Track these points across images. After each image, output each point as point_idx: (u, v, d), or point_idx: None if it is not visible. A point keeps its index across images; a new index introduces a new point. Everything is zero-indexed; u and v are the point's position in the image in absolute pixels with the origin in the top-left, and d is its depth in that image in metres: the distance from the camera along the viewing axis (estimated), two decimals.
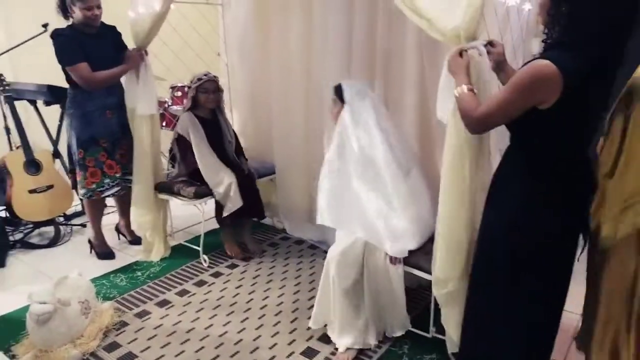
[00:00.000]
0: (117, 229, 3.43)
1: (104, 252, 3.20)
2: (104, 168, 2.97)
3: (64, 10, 2.78)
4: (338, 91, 2.33)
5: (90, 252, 3.22)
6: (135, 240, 3.33)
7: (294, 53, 3.17)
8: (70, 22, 2.82)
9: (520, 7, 2.16)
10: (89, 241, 3.24)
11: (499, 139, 1.84)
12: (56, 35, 2.75)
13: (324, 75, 2.96)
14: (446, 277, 1.88)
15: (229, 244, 3.20)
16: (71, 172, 3.06)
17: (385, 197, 2.20)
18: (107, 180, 2.99)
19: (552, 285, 1.55)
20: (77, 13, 2.73)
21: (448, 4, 1.64)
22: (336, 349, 2.22)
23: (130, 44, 3.00)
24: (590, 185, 1.51)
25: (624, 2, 1.29)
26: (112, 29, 2.98)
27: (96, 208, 3.15)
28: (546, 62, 1.30)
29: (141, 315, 2.53)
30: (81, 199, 3.10)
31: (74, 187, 3.10)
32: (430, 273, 2.00)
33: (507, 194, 1.53)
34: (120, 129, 3.01)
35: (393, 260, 2.12)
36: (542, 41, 1.44)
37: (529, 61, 1.37)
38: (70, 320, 2.22)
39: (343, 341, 2.19)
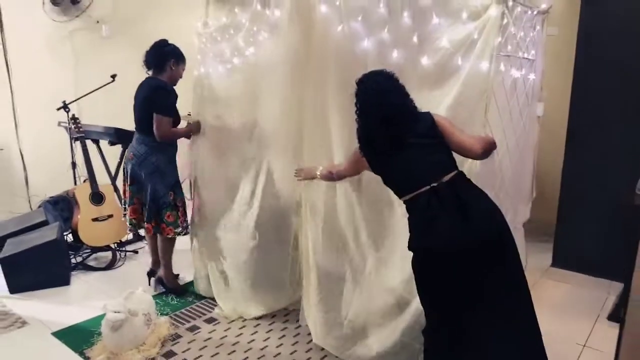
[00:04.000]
0: (152, 273, 3.44)
1: (178, 287, 3.36)
2: (185, 208, 3.24)
3: (161, 65, 2.99)
4: None
5: (156, 289, 3.34)
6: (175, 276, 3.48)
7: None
8: (155, 75, 3.01)
9: (525, 77, 2.59)
10: (159, 280, 3.35)
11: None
12: (168, 88, 2.98)
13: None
14: None
15: None
16: (148, 220, 3.11)
17: None
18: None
19: None
20: (177, 71, 3.02)
21: None
22: None
23: None
24: None
25: None
26: None
27: (173, 246, 3.30)
28: None
29: (192, 329, 2.90)
30: (178, 234, 3.17)
31: (158, 232, 3.15)
32: None
33: None
34: None
35: None
36: None
37: None
38: (136, 329, 2.61)
39: None
